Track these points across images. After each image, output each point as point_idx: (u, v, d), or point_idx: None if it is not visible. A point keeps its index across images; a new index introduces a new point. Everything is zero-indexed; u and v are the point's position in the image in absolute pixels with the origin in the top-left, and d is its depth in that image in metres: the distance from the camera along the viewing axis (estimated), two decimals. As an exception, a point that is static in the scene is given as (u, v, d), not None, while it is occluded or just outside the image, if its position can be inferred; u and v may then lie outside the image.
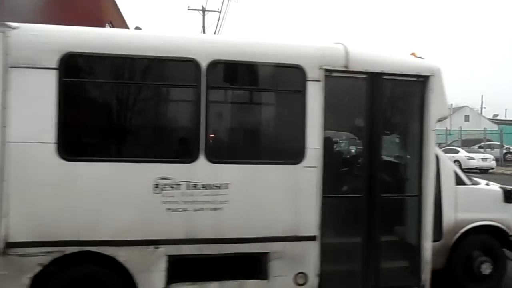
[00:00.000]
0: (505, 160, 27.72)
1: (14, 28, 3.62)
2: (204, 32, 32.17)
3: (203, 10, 31.37)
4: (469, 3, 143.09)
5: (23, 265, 3.61)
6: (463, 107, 49.63)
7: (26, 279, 3.61)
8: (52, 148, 3.61)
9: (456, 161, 23.15)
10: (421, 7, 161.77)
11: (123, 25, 20.44)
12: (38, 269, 3.63)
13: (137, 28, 26.17)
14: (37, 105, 3.62)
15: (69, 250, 3.66)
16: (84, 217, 3.69)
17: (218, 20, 34.23)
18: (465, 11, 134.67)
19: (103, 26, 12.60)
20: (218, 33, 51.46)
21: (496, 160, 24.50)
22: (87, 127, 3.93)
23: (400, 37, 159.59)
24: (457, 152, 24.28)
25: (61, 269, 3.70)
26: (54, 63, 3.61)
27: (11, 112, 3.57)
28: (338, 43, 4.19)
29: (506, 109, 65.18)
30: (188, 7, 32.02)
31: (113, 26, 17.08)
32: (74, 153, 3.67)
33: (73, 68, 3.69)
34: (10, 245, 3.58)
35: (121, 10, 19.79)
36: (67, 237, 3.65)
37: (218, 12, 27.36)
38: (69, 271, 3.74)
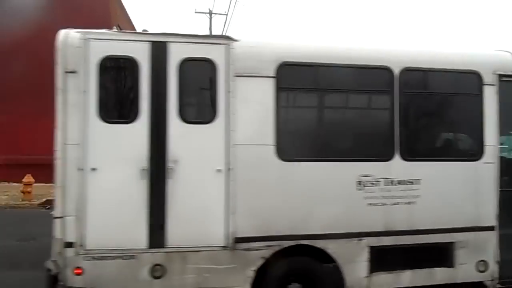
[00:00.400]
0: None
1: (236, 40, 3.98)
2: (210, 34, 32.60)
3: (210, 13, 31.76)
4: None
5: (248, 259, 3.92)
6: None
7: (250, 272, 3.92)
8: (272, 150, 3.95)
9: None
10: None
11: (130, 27, 20.62)
12: (261, 262, 3.94)
13: (144, 30, 26.57)
14: (258, 110, 3.96)
15: (287, 243, 3.98)
16: (299, 212, 4.03)
17: (225, 22, 34.80)
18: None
19: (111, 28, 12.85)
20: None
21: None
22: (301, 130, 4.29)
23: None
24: None
25: (280, 261, 4.01)
26: (271, 72, 3.97)
27: (237, 117, 3.91)
28: (503, 50, 4.65)
29: None
30: (195, 10, 32.50)
31: (120, 29, 17.38)
32: (290, 154, 4.00)
33: (288, 76, 4.04)
34: (238, 240, 3.89)
35: (128, 12, 19.95)
36: (285, 231, 3.98)
37: (225, 15, 27.66)
38: (287, 263, 4.05)
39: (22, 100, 15.35)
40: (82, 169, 3.71)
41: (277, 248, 3.95)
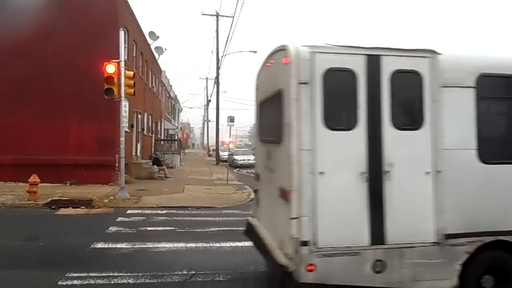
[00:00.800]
0: None
1: (439, 54, 4.35)
2: (217, 36, 33.25)
3: (217, 15, 32.26)
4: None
5: (455, 253, 4.29)
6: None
7: (457, 266, 4.29)
8: (474, 153, 4.33)
9: None
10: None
11: (138, 29, 20.95)
12: (466, 256, 4.31)
13: (152, 33, 26.34)
14: (461, 118, 4.35)
15: (488, 239, 4.35)
16: (498, 210, 4.41)
17: (232, 24, 35.11)
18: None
19: (118, 30, 13.16)
20: (231, 37, 51.67)
21: None
22: (499, 135, 4.69)
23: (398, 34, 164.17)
24: None
25: (481, 256, 4.37)
26: (472, 82, 4.36)
27: (443, 124, 4.28)
28: None
29: None
30: (202, 12, 32.95)
31: (127, 31, 17.72)
32: (490, 157, 4.38)
33: (486, 86, 4.42)
34: (447, 236, 4.24)
35: (135, 14, 20.06)
36: (486, 228, 4.36)
37: (231, 17, 28.18)
38: (486, 257, 4.41)
39: (28, 101, 15.75)
40: (313, 173, 4.04)
41: (479, 244, 4.32)
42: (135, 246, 7.30)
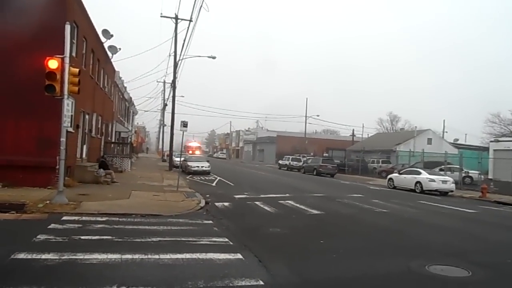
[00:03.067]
0: (463, 183, 29.60)
1: None
2: (176, 38, 32.67)
3: (176, 18, 31.77)
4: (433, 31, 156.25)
5: None
6: (426, 130, 53.67)
7: None
8: None
9: (418, 182, 24.76)
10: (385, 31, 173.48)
11: (89, 26, 20.03)
12: None
13: (105, 31, 25.63)
14: None
15: None
16: None
17: (188, 28, 34.66)
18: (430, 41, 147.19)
19: (64, 24, 12.51)
20: (189, 40, 50.97)
21: (456, 183, 25.56)
22: None
23: (362, 61, 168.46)
24: (419, 173, 25.46)
25: None
26: None
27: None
28: None
29: (466, 134, 72.04)
30: (161, 14, 32.32)
31: (77, 26, 17.00)
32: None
33: None
34: None
35: (87, 10, 19.04)
36: None
37: (190, 21, 27.96)
38: None
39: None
40: None
41: None
42: (63, 258, 6.62)
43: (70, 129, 15.36)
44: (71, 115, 13.67)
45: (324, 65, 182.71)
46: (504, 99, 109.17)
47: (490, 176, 35.55)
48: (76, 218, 10.25)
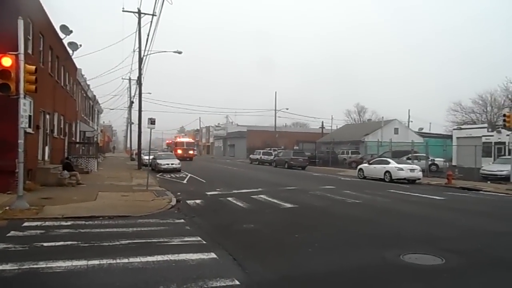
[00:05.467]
0: (430, 171, 30.42)
1: None
2: (140, 33, 31.81)
3: (139, 12, 30.97)
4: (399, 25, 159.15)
5: None
6: (393, 120, 54.80)
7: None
8: None
9: (387, 172, 25.27)
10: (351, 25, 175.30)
11: (46, 22, 19.11)
12: None
13: (64, 26, 24.65)
14: None
15: None
16: None
17: (151, 22, 33.92)
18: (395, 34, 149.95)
19: (17, 18, 11.88)
20: (153, 35, 49.93)
21: (423, 171, 26.08)
22: None
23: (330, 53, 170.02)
24: (388, 163, 25.96)
25: None
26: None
27: None
28: None
29: (430, 123, 74.19)
30: (123, 8, 31.40)
31: (32, 22, 16.28)
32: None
33: None
34: None
35: (42, 4, 18.18)
36: None
37: (154, 15, 27.49)
38: None
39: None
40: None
41: None
42: (23, 267, 6.16)
43: (29, 130, 14.57)
44: (29, 115, 12.97)
45: (290, 58, 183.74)
46: (465, 88, 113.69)
47: (454, 163, 36.86)
48: (38, 223, 9.69)
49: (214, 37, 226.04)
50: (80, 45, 25.08)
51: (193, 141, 62.72)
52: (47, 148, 20.41)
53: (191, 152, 55.08)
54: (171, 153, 40.19)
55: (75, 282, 5.65)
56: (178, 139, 61.92)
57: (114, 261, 6.60)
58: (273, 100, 63.84)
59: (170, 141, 69.35)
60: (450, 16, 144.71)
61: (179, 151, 51.70)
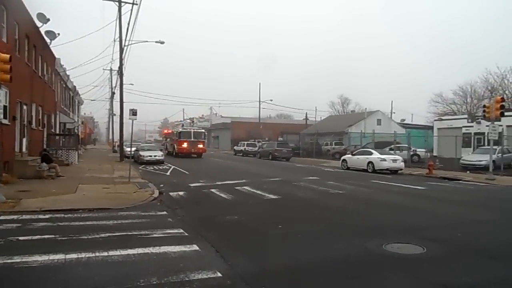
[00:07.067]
0: (412, 161, 31.01)
1: None
2: (120, 22, 31.16)
3: (119, 1, 30.30)
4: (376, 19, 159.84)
5: None
6: (376, 111, 55.35)
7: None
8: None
9: (370, 162, 25.55)
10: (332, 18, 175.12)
11: (21, 8, 18.28)
12: None
13: (40, 14, 24.01)
14: None
15: None
16: None
17: (131, 10, 33.21)
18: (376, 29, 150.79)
19: None
20: (134, 24, 49.14)
21: (404, 161, 26.59)
22: None
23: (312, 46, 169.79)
24: (371, 154, 26.21)
25: None
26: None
27: None
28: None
29: (412, 114, 75.06)
30: None
31: (6, 8, 15.81)
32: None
33: None
34: None
35: None
36: None
37: (135, 4, 27.16)
38: None
39: None
40: None
41: None
42: (-3, 263, 5.96)
43: (5, 121, 14.12)
44: (5, 106, 12.54)
45: (281, 52, 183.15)
46: (447, 80, 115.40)
47: (435, 153, 37.45)
48: (14, 217, 9.41)
49: (202, 30, 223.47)
50: (58, 34, 24.42)
51: (203, 131, 41.92)
52: (24, 140, 19.88)
53: (200, 145, 39.34)
54: (154, 145, 39.53)
55: (51, 277, 5.47)
56: (182, 129, 42.77)
57: (93, 255, 6.44)
58: (258, 92, 63.59)
59: (169, 131, 51.72)
60: (437, 14, 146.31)
61: (185, 145, 38.17)
